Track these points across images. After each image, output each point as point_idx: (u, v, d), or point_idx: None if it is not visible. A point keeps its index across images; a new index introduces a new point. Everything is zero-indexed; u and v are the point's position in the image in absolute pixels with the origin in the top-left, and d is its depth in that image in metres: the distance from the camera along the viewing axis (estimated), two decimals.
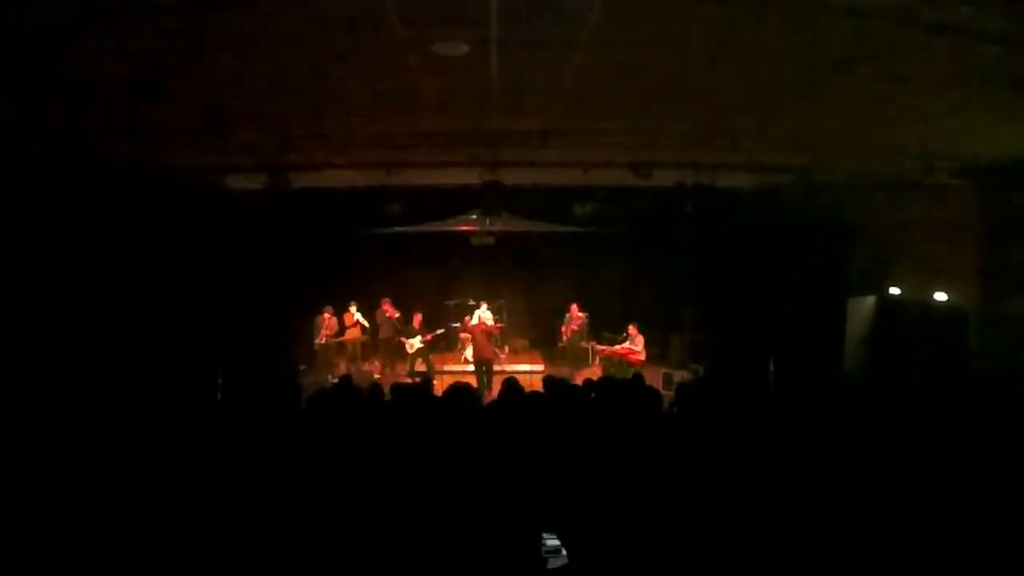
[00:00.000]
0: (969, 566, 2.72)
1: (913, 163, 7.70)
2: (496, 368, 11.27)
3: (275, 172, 8.11)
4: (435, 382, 8.03)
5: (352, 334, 12.32)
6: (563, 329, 12.64)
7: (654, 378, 9.81)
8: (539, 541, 3.11)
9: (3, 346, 6.61)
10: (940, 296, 8.75)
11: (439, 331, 12.47)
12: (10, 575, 2.70)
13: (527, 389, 5.80)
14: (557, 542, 3.14)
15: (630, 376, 8.95)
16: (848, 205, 10.17)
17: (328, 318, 12.00)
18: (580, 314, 12.58)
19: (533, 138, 7.03)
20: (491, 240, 12.68)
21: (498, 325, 12.20)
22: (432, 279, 13.98)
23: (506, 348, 13.32)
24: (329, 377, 11.39)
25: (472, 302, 13.17)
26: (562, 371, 10.87)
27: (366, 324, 12.32)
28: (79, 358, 7.07)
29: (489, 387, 10.32)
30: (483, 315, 11.98)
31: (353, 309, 12.18)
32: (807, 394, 6.69)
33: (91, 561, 2.73)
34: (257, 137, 6.85)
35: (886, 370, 9.55)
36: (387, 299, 12.13)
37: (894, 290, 9.85)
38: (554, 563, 3.05)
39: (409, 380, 10.23)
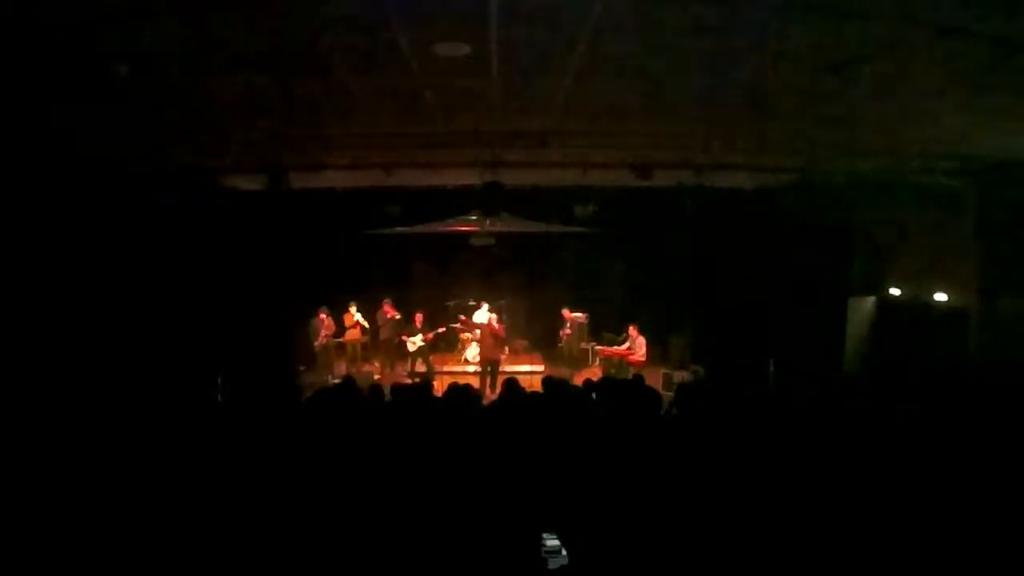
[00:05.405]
0: (969, 565, 2.72)
1: (913, 163, 7.71)
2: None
3: (275, 172, 8.11)
4: (435, 382, 8.04)
5: (352, 335, 12.31)
6: (560, 334, 12.65)
7: (654, 379, 9.81)
8: (539, 541, 3.11)
9: (4, 347, 6.61)
10: (940, 296, 8.76)
11: (440, 329, 12.48)
12: (10, 575, 2.70)
13: (527, 389, 5.81)
14: (557, 542, 3.14)
15: (629, 377, 8.96)
16: (848, 205, 10.17)
17: (324, 319, 12.00)
18: (574, 315, 12.56)
19: (533, 139, 7.04)
20: (491, 240, 12.67)
21: (501, 326, 12.23)
22: (432, 280, 13.98)
23: (506, 348, 13.32)
24: (329, 378, 11.38)
25: (472, 302, 13.18)
26: (562, 372, 10.86)
27: (366, 325, 12.31)
28: (79, 358, 7.07)
29: (494, 387, 10.33)
30: (482, 316, 11.99)
31: (353, 310, 12.18)
32: (807, 395, 6.69)
33: (92, 561, 2.73)
34: (257, 137, 6.85)
35: (886, 370, 9.55)
36: (388, 300, 12.13)
37: (894, 290, 9.85)
38: (554, 563, 3.05)
39: (409, 380, 10.24)
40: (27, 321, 6.93)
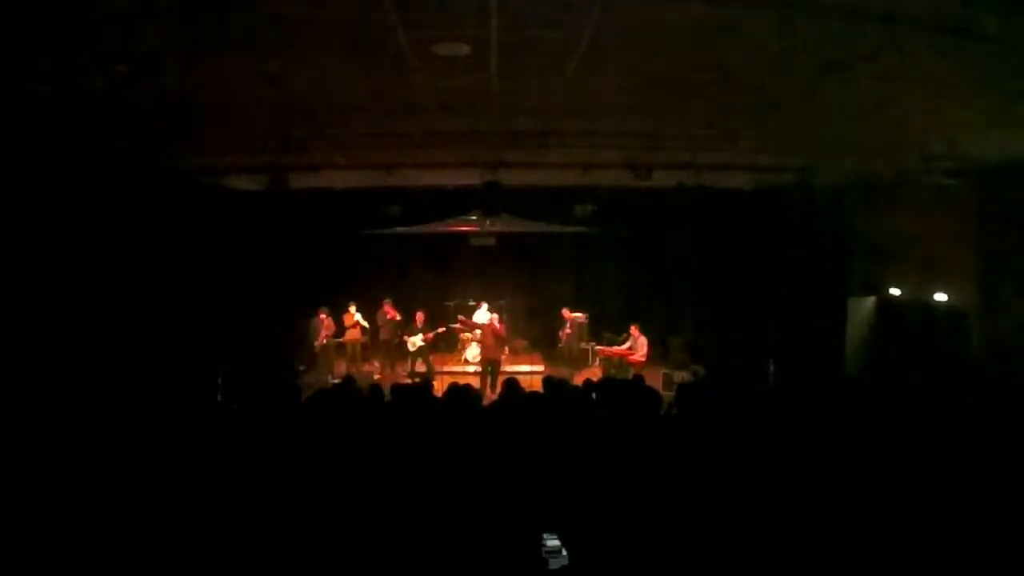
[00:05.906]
0: (969, 565, 2.72)
1: (913, 163, 7.71)
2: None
3: (275, 172, 8.11)
4: (435, 382, 8.04)
5: (352, 335, 12.31)
6: (560, 334, 12.65)
7: (654, 379, 9.81)
8: (539, 541, 3.11)
9: (4, 346, 6.60)
10: (940, 296, 8.75)
11: (440, 329, 12.48)
12: (10, 575, 2.69)
13: (527, 389, 5.81)
14: (557, 542, 3.14)
15: (629, 377, 8.96)
16: (848, 205, 10.17)
17: (325, 319, 12.00)
18: (574, 315, 12.56)
19: (533, 138, 7.04)
20: (491, 240, 12.69)
21: (502, 326, 12.24)
22: (432, 280, 13.99)
23: (506, 348, 13.32)
24: (329, 378, 11.38)
25: (472, 302, 13.18)
26: (562, 372, 10.86)
27: (366, 325, 12.31)
28: (80, 358, 7.07)
29: (494, 387, 10.33)
30: (483, 316, 11.99)
31: (353, 310, 12.18)
32: (807, 395, 6.70)
33: (91, 560, 2.73)
34: (257, 137, 6.85)
35: (886, 370, 9.55)
36: (388, 300, 12.14)
37: (894, 290, 9.85)
38: (554, 563, 3.05)
39: (409, 380, 10.24)
40: (27, 322, 6.93)
